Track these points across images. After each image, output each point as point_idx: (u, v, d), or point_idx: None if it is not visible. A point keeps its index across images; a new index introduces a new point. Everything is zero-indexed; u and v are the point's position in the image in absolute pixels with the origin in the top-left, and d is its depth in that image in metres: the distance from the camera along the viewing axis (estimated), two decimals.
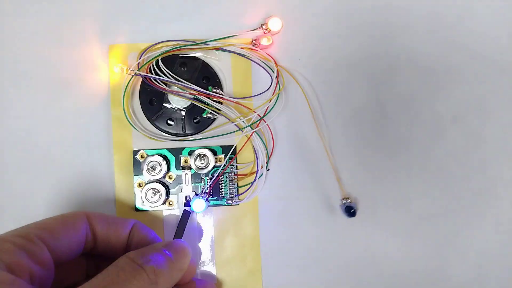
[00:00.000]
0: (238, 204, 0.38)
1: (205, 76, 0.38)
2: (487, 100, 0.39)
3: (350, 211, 0.37)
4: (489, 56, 0.40)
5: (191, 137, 0.37)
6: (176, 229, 0.35)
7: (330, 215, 0.38)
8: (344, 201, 0.38)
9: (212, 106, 0.37)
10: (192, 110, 0.37)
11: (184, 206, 0.37)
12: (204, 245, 0.38)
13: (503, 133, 0.39)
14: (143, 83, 0.37)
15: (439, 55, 0.39)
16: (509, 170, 0.39)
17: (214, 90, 0.37)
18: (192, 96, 0.36)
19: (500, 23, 0.40)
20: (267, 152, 0.38)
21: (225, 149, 0.38)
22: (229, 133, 0.37)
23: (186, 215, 0.35)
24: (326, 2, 0.39)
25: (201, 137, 0.38)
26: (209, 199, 0.37)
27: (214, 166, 0.37)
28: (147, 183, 0.37)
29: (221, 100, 0.37)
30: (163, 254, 0.30)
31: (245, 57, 0.38)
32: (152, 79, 0.36)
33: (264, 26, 0.38)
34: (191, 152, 0.37)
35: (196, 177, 0.38)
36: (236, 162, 0.38)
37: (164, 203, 0.37)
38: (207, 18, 0.38)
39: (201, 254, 0.37)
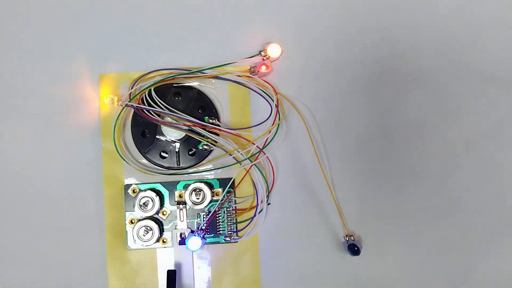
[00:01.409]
0: (237, 242, 0.35)
1: (200, 106, 0.36)
2: (503, 126, 0.37)
3: (354, 249, 0.35)
4: (504, 80, 0.37)
5: (186, 171, 0.35)
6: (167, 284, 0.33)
7: (335, 252, 0.36)
8: (347, 239, 0.35)
9: (208, 137, 0.35)
10: (187, 142, 0.35)
11: (179, 244, 0.35)
12: (201, 286, 0.35)
13: None
14: (135, 114, 0.35)
15: (450, 78, 0.37)
16: None
17: (210, 121, 0.35)
18: (187, 128, 0.34)
19: None
20: (267, 185, 0.35)
21: (223, 182, 0.36)
22: (227, 166, 0.35)
23: (172, 276, 0.33)
24: (327, 26, 0.37)
25: (196, 170, 0.35)
26: (205, 236, 0.35)
27: (211, 201, 0.35)
28: (140, 220, 0.35)
29: (217, 131, 0.35)
30: None
31: (243, 85, 0.36)
32: (144, 110, 0.34)
33: (262, 53, 0.36)
34: (186, 186, 0.35)
35: (191, 212, 0.35)
36: (235, 196, 0.36)
37: (157, 241, 0.35)
38: (203, 46, 0.37)
39: None
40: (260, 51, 0.36)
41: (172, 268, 0.35)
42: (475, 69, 0.37)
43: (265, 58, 0.36)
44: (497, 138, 0.37)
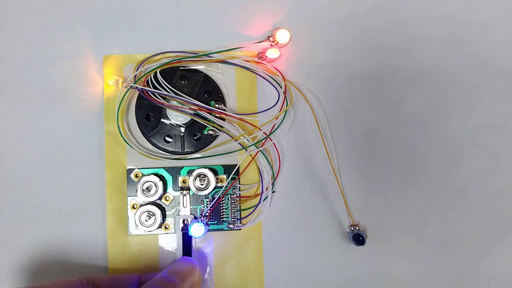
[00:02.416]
0: (240, 229, 0.35)
1: (207, 90, 0.35)
2: (509, 120, 0.37)
3: (358, 239, 0.34)
4: (511, 73, 0.37)
5: (191, 156, 0.35)
6: (182, 245, 0.34)
7: (339, 241, 0.35)
8: (352, 228, 0.35)
9: (214, 122, 0.34)
10: (192, 127, 0.35)
11: (182, 231, 0.34)
12: (203, 273, 0.34)
13: None
14: (139, 97, 0.35)
15: (457, 71, 0.37)
16: None
17: (217, 106, 0.34)
18: (192, 112, 0.34)
19: None
20: (272, 173, 0.35)
21: (227, 169, 0.35)
22: (232, 152, 0.35)
23: (188, 240, 0.34)
24: (338, 14, 0.37)
25: (201, 156, 0.35)
26: (209, 223, 0.34)
27: (215, 187, 0.34)
28: (142, 205, 0.34)
29: (223, 116, 0.34)
30: (167, 281, 0.29)
31: (250, 70, 0.35)
32: (149, 92, 0.34)
33: (271, 38, 0.35)
34: (190, 172, 0.35)
35: (195, 199, 0.35)
36: (239, 183, 0.35)
37: (159, 227, 0.34)
38: (210, 29, 0.36)
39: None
40: (268, 37, 0.35)
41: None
42: (482, 62, 0.37)
43: (273, 43, 0.35)
44: (503, 131, 0.37)
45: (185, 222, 0.34)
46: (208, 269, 0.35)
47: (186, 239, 0.34)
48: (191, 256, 0.34)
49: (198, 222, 0.34)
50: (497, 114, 0.37)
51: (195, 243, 0.35)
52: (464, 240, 0.36)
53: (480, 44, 0.37)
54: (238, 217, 0.35)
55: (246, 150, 0.34)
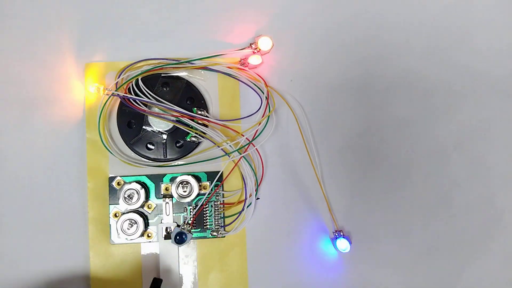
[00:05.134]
0: (224, 236, 0.34)
1: (189, 97, 0.35)
2: (491, 125, 0.37)
3: (341, 245, 0.34)
4: (493, 78, 0.37)
5: (173, 163, 0.34)
6: None
7: (324, 248, 0.35)
8: (336, 234, 0.35)
9: (196, 129, 0.34)
10: (175, 134, 0.34)
11: (164, 239, 0.34)
12: (186, 282, 0.34)
13: (508, 161, 0.37)
14: (121, 104, 0.34)
15: (439, 76, 0.37)
16: None
17: (199, 112, 0.34)
18: (174, 118, 0.34)
19: (504, 44, 0.38)
20: (256, 179, 0.35)
21: (211, 175, 0.35)
22: (215, 158, 0.34)
23: (157, 284, 0.32)
24: (320, 21, 0.37)
25: (184, 163, 0.35)
26: (192, 230, 0.34)
27: (198, 194, 0.34)
28: (124, 213, 0.34)
29: (206, 122, 0.34)
30: None
31: (232, 77, 0.35)
32: (131, 99, 0.33)
33: (253, 45, 0.35)
34: (172, 179, 0.34)
35: (178, 206, 0.34)
36: (223, 190, 0.35)
37: (142, 235, 0.34)
38: (192, 36, 0.36)
39: None
40: (251, 44, 0.35)
41: (159, 277, 0.34)
42: (463, 68, 0.37)
43: (256, 50, 0.35)
44: (486, 136, 0.37)
45: (168, 230, 0.34)
46: (192, 278, 0.34)
47: (156, 285, 0.32)
48: None
49: (181, 230, 0.33)
50: (479, 119, 0.37)
51: (178, 251, 0.34)
52: (448, 246, 0.36)
53: (460, 50, 0.37)
54: (222, 224, 0.34)
55: (229, 156, 0.34)
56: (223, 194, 0.35)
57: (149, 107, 0.34)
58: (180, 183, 0.34)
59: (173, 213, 0.34)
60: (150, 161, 0.35)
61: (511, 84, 0.37)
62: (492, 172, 0.37)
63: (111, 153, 0.34)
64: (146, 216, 0.34)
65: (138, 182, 0.34)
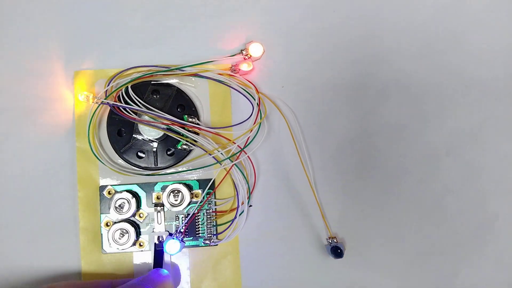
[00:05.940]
0: (217, 245, 0.34)
1: (179, 104, 0.35)
2: (483, 129, 0.37)
3: (336, 251, 0.34)
4: (484, 83, 0.37)
5: (164, 171, 0.34)
6: (154, 259, 0.32)
7: (318, 255, 0.35)
8: (330, 241, 0.34)
9: (187, 136, 0.33)
10: (165, 142, 0.34)
11: (156, 248, 0.33)
12: None
13: (500, 165, 0.37)
14: (111, 112, 0.34)
15: (431, 81, 0.37)
16: (509, 203, 0.36)
17: (190, 120, 0.34)
18: (165, 126, 0.33)
19: (495, 49, 0.38)
20: (248, 186, 0.35)
21: (202, 183, 0.34)
22: (207, 166, 0.34)
23: (159, 253, 0.33)
24: (311, 27, 0.37)
25: (175, 171, 0.34)
26: (184, 239, 0.34)
27: (190, 203, 0.34)
28: (115, 223, 0.33)
29: (197, 130, 0.34)
30: None
31: (223, 83, 0.35)
32: (121, 108, 0.33)
33: (244, 52, 0.35)
34: (164, 188, 0.34)
35: (169, 215, 0.34)
36: (215, 198, 0.35)
37: (134, 244, 0.33)
38: (182, 43, 0.36)
39: None
40: (241, 50, 0.35)
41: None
42: (455, 72, 0.37)
43: (246, 57, 0.35)
44: (478, 140, 0.37)
45: (160, 239, 0.34)
46: (185, 286, 0.34)
47: (157, 252, 0.33)
48: (161, 266, 0.33)
49: (173, 238, 0.33)
50: (470, 123, 0.37)
51: (171, 260, 0.34)
52: (441, 251, 0.36)
53: (452, 54, 0.37)
54: (214, 233, 0.34)
55: (221, 164, 0.34)
56: (215, 202, 0.35)
57: (139, 115, 0.34)
58: (171, 191, 0.34)
59: (165, 222, 0.34)
60: (140, 169, 0.34)
61: (503, 88, 0.37)
62: (484, 177, 0.37)
63: (101, 162, 0.34)
64: (138, 225, 0.34)
65: (129, 191, 0.34)
